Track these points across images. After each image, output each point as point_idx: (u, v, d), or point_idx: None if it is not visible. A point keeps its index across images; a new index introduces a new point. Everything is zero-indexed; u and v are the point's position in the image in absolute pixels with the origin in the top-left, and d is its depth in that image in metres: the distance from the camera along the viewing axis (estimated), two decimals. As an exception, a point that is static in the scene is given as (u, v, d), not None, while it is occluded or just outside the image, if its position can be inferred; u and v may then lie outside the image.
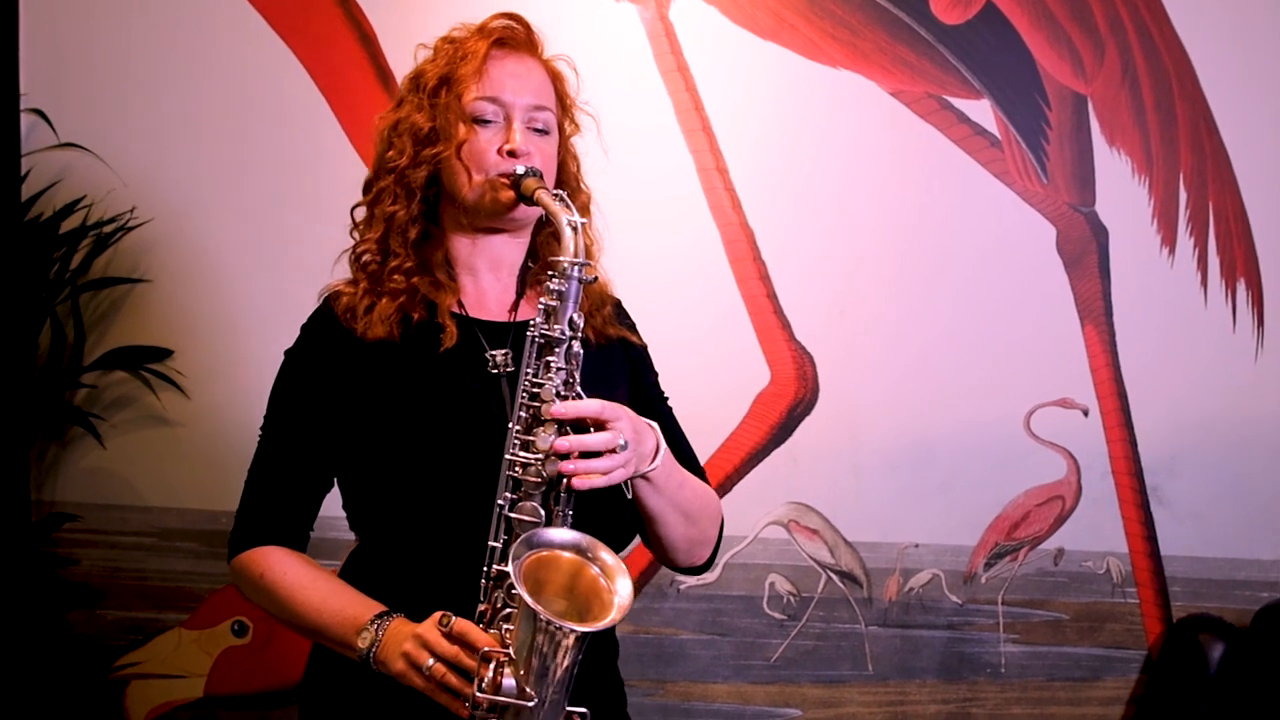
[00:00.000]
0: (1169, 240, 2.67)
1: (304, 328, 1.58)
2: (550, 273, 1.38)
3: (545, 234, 1.58)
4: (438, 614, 1.32)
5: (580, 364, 1.39)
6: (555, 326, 1.37)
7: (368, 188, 1.58)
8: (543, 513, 1.35)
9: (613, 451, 1.32)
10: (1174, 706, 2.65)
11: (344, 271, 1.60)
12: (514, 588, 1.25)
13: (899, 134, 2.67)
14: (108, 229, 2.66)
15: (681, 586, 2.73)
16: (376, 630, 1.37)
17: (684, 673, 2.75)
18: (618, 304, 1.66)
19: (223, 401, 2.77)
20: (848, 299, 2.72)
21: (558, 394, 1.36)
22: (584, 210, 1.60)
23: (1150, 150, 2.66)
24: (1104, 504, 2.74)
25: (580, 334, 1.39)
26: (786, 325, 2.71)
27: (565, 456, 1.33)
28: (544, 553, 1.31)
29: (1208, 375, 2.72)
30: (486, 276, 1.56)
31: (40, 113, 2.69)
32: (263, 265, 2.74)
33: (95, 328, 2.76)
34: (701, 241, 2.69)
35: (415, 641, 1.32)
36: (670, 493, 1.46)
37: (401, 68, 2.63)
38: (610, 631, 1.60)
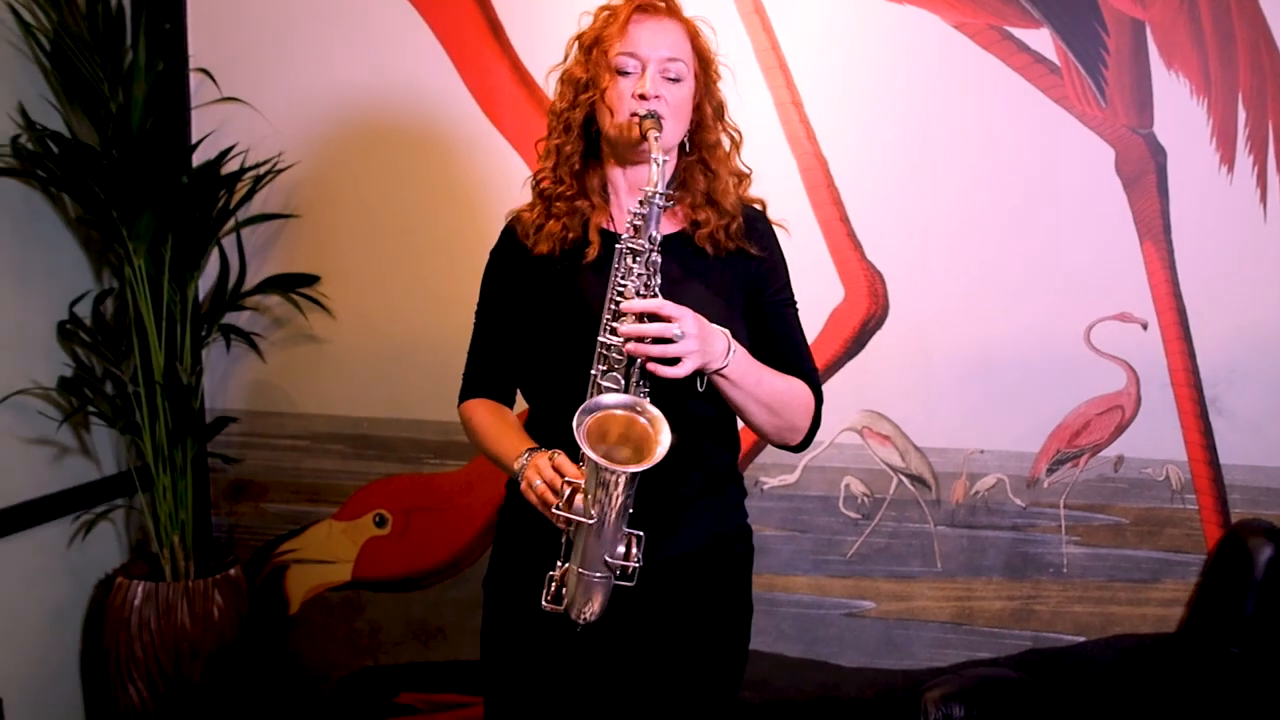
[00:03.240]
0: (1227, 159, 2.67)
1: (499, 238, 1.96)
2: (639, 198, 1.67)
3: (688, 161, 1.86)
4: (553, 450, 1.71)
5: (658, 270, 1.67)
6: (639, 240, 1.67)
7: (548, 126, 1.90)
8: (622, 382, 1.65)
9: (670, 340, 1.59)
10: (1223, 606, 2.69)
11: (528, 195, 1.94)
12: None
13: (962, 64, 2.73)
14: (262, 171, 2.97)
15: (765, 487, 2.92)
16: (525, 460, 1.75)
17: (767, 566, 2.93)
18: (754, 219, 1.90)
19: (363, 320, 3.07)
20: (916, 221, 2.81)
21: (637, 293, 1.65)
22: (715, 149, 1.86)
23: (1208, 71, 2.65)
24: (1163, 414, 2.77)
25: (658, 246, 1.67)
26: (859, 246, 2.83)
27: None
28: (601, 414, 1.62)
29: (1266, 290, 2.71)
30: (634, 199, 1.82)
31: (206, 72, 3.02)
32: (393, 198, 3.01)
33: (254, 258, 3.08)
34: (779, 170, 2.81)
35: (533, 469, 1.70)
36: (749, 388, 1.73)
37: (510, 22, 2.89)
38: (735, 487, 1.96)
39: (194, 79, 3.05)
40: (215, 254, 3.04)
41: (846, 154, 2.82)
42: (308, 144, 3.04)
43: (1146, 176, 2.71)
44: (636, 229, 1.68)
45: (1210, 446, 2.77)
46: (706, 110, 1.86)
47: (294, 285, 3.07)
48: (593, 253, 1.81)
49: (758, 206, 1.93)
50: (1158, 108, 2.70)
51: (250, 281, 3.08)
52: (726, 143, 1.88)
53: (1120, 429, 2.80)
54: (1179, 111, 2.69)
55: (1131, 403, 2.79)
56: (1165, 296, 2.74)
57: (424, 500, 3.09)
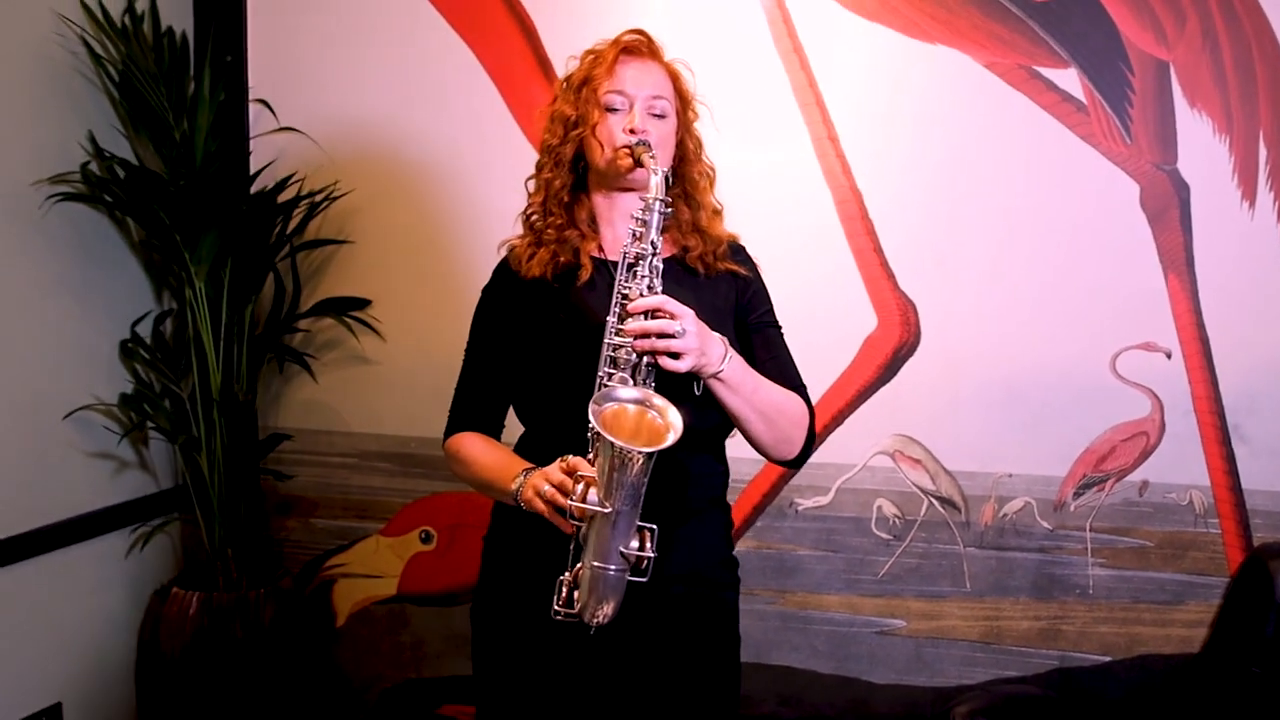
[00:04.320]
0: (1249, 195, 2.73)
1: (492, 274, 2.04)
2: (640, 206, 1.77)
3: (672, 194, 1.94)
4: (561, 457, 1.75)
5: (659, 274, 1.76)
6: (641, 246, 1.76)
7: (536, 163, 2.01)
8: (630, 382, 1.72)
9: (672, 336, 1.67)
10: (1244, 627, 2.74)
11: (518, 228, 2.04)
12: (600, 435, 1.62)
13: (993, 103, 2.81)
14: (318, 199, 3.09)
15: (799, 508, 3.00)
16: (523, 477, 1.80)
17: (801, 584, 3.01)
18: (737, 247, 2.03)
19: (413, 344, 3.17)
20: (947, 252, 2.88)
21: (641, 295, 1.74)
22: (698, 181, 2.00)
23: (1230, 110, 2.72)
24: (1186, 440, 2.82)
25: (658, 251, 1.77)
26: (892, 276, 2.91)
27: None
28: (615, 406, 1.67)
29: (1287, 321, 2.76)
30: (620, 226, 1.94)
31: (265, 102, 3.15)
32: (443, 226, 3.11)
33: (309, 282, 3.19)
34: (815, 202, 2.90)
35: (541, 476, 1.75)
36: (745, 395, 1.80)
37: (558, 58, 2.98)
38: (726, 513, 2.02)
39: (253, 109, 3.18)
40: (271, 278, 3.15)
41: (881, 188, 2.91)
42: (361, 173, 3.15)
43: (1170, 211, 2.79)
44: (638, 235, 1.77)
45: (1233, 472, 2.83)
46: (688, 146, 2.00)
47: (346, 308, 3.18)
48: (584, 274, 1.91)
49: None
50: (1181, 145, 2.77)
51: (304, 304, 3.19)
52: (704, 178, 2.01)
53: (1145, 455, 2.86)
54: (1202, 149, 2.76)
55: (1156, 429, 2.85)
56: (1189, 327, 2.80)
57: (468, 518, 3.17)
